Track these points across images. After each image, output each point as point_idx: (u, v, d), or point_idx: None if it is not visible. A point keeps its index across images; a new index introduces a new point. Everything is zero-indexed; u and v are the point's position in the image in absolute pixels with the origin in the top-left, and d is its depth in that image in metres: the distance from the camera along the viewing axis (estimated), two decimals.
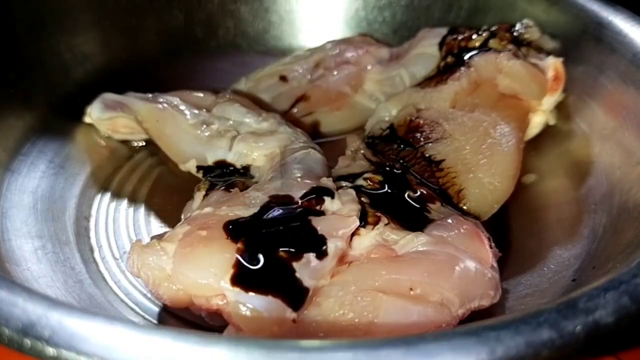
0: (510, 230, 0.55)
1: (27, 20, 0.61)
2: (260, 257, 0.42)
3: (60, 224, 0.54)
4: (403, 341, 0.29)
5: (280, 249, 0.42)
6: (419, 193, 0.52)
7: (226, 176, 0.56)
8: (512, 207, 0.57)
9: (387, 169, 0.55)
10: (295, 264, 0.42)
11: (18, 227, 0.51)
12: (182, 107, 0.59)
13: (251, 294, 0.40)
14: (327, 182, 0.50)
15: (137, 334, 0.29)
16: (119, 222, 0.56)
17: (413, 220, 0.48)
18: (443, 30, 0.67)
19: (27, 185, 0.55)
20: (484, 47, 0.62)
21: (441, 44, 0.66)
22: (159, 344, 0.29)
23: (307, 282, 0.42)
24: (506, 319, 0.30)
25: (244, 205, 0.46)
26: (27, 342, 0.30)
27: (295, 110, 0.67)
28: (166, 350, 0.29)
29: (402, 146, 0.58)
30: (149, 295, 0.49)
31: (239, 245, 0.42)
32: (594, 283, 0.33)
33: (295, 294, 0.41)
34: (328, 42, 0.73)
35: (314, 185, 0.49)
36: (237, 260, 0.41)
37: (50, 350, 0.29)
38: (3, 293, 0.32)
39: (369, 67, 0.70)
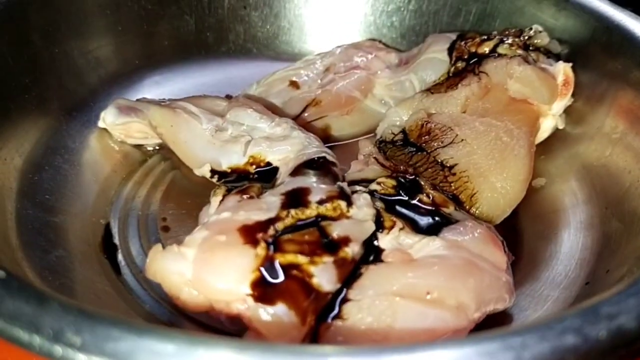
0: (522, 234, 0.56)
1: (41, 27, 0.62)
2: (279, 262, 0.42)
3: (76, 229, 0.54)
4: (428, 347, 0.29)
5: (299, 254, 0.43)
6: (432, 197, 0.52)
7: (241, 181, 0.56)
8: (524, 211, 0.57)
9: (400, 173, 0.55)
10: (313, 269, 0.42)
11: (35, 232, 0.51)
12: (196, 112, 0.60)
13: (271, 298, 0.41)
14: (342, 186, 0.50)
15: (168, 340, 0.29)
16: (134, 226, 0.57)
17: (427, 224, 0.49)
18: (452, 36, 0.68)
19: (42, 190, 0.56)
20: (493, 53, 0.62)
21: (451, 49, 0.66)
22: (190, 350, 0.29)
23: (326, 286, 0.42)
24: (531, 324, 0.30)
25: (261, 210, 0.47)
26: (58, 349, 0.30)
27: (306, 114, 0.68)
28: (197, 356, 0.29)
29: (414, 151, 0.58)
30: (166, 299, 0.49)
31: (258, 250, 0.43)
32: (615, 288, 0.33)
33: (315, 299, 0.42)
34: (337, 47, 0.74)
35: (330, 190, 0.49)
36: (257, 265, 0.42)
37: (82, 358, 0.29)
38: (32, 301, 0.32)
39: (378, 72, 0.70)
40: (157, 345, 0.29)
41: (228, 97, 0.65)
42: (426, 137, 0.59)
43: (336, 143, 0.68)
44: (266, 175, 0.56)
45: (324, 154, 0.55)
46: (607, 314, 0.31)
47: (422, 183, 0.54)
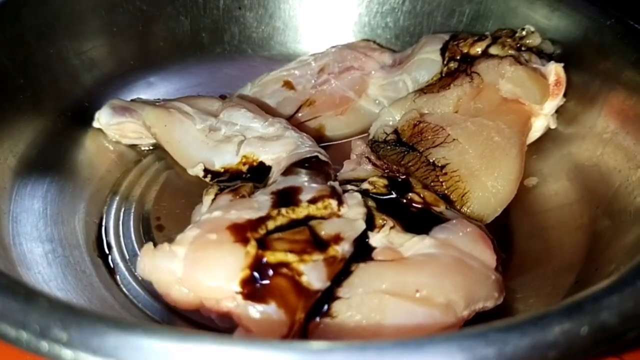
0: (513, 233, 0.56)
1: (36, 27, 0.62)
2: (269, 260, 0.43)
3: (70, 228, 0.55)
4: (413, 343, 0.29)
5: (289, 253, 0.43)
6: (423, 197, 0.52)
7: (234, 180, 0.56)
8: (515, 210, 0.58)
9: (392, 173, 0.56)
10: (303, 267, 0.43)
11: (29, 231, 0.52)
12: (190, 113, 0.60)
13: (260, 296, 0.41)
14: (333, 186, 0.51)
15: (154, 336, 0.30)
16: (128, 225, 0.57)
17: (418, 223, 0.49)
18: (445, 36, 0.68)
19: (37, 189, 0.56)
20: (486, 53, 0.63)
21: (444, 50, 0.66)
22: (175, 346, 0.29)
23: (316, 284, 0.42)
24: (513, 320, 0.30)
25: (252, 209, 0.47)
26: (45, 345, 0.30)
27: (300, 114, 0.68)
28: (182, 351, 0.29)
29: (406, 150, 0.58)
30: (158, 297, 0.50)
31: (248, 248, 0.43)
32: (599, 285, 0.34)
33: (304, 297, 0.42)
34: (331, 47, 0.74)
35: (321, 189, 0.49)
36: (247, 264, 0.42)
37: (68, 353, 0.30)
38: (20, 297, 0.32)
39: (372, 72, 0.71)
40: (142, 341, 0.30)
41: (222, 98, 0.66)
42: (418, 137, 0.59)
43: (331, 143, 0.68)
44: (259, 174, 0.57)
45: (316, 154, 0.56)
46: (590, 310, 0.31)
47: (414, 182, 0.54)
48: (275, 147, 0.57)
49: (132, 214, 0.58)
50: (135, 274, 0.52)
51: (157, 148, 0.65)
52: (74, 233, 0.55)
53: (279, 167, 0.55)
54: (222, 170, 0.58)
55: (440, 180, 0.55)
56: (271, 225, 0.46)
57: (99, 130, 0.64)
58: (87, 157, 0.63)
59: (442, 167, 0.56)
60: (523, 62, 0.61)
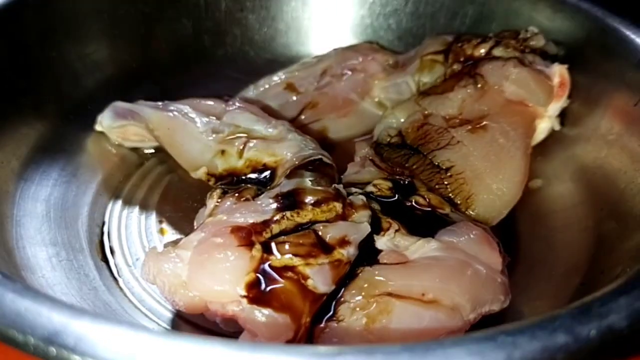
0: (519, 235, 0.56)
1: (38, 30, 0.62)
2: (274, 264, 0.43)
3: (73, 232, 0.55)
4: (421, 347, 0.29)
5: (294, 256, 0.43)
6: (428, 199, 0.52)
7: (237, 183, 0.56)
8: (520, 212, 0.57)
9: (396, 175, 0.55)
10: (308, 271, 0.43)
11: (32, 235, 0.52)
12: (193, 115, 0.60)
13: (266, 300, 0.41)
14: (338, 188, 0.50)
15: (163, 342, 0.29)
16: (131, 229, 0.57)
17: (423, 226, 0.49)
18: (449, 38, 0.68)
19: (40, 193, 0.56)
20: (489, 55, 0.63)
21: (447, 52, 0.66)
22: (184, 352, 0.29)
23: (321, 288, 0.42)
24: (522, 324, 0.30)
25: (257, 212, 0.47)
26: (53, 350, 0.30)
27: (302, 117, 0.68)
28: (188, 356, 0.29)
29: (410, 153, 0.58)
30: (162, 301, 0.50)
31: (253, 252, 0.43)
32: (607, 288, 0.33)
33: (310, 300, 0.42)
34: (334, 49, 0.74)
35: (325, 192, 0.49)
36: (252, 267, 0.42)
37: (76, 359, 0.30)
38: (28, 302, 0.32)
39: (375, 74, 0.71)
40: (149, 346, 0.30)
41: (225, 100, 0.65)
42: (422, 139, 0.59)
43: (334, 145, 0.68)
44: (262, 177, 0.57)
45: (320, 156, 0.55)
46: (598, 313, 0.31)
47: (418, 185, 0.54)
48: (279, 150, 0.57)
49: (135, 217, 0.58)
50: (139, 277, 0.52)
51: (160, 151, 0.64)
52: (77, 237, 0.54)
53: (282, 170, 0.55)
54: (226, 173, 0.58)
55: (445, 182, 0.55)
56: (276, 228, 0.46)
57: (102, 133, 0.64)
58: (89, 160, 0.63)
59: (447, 169, 0.56)
60: (527, 63, 0.61)
